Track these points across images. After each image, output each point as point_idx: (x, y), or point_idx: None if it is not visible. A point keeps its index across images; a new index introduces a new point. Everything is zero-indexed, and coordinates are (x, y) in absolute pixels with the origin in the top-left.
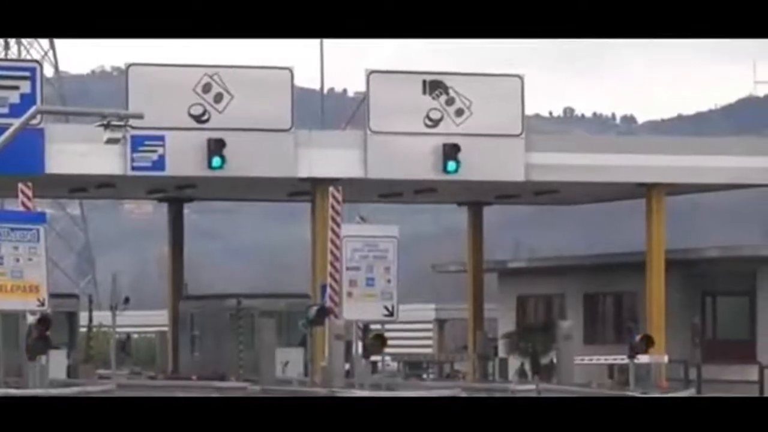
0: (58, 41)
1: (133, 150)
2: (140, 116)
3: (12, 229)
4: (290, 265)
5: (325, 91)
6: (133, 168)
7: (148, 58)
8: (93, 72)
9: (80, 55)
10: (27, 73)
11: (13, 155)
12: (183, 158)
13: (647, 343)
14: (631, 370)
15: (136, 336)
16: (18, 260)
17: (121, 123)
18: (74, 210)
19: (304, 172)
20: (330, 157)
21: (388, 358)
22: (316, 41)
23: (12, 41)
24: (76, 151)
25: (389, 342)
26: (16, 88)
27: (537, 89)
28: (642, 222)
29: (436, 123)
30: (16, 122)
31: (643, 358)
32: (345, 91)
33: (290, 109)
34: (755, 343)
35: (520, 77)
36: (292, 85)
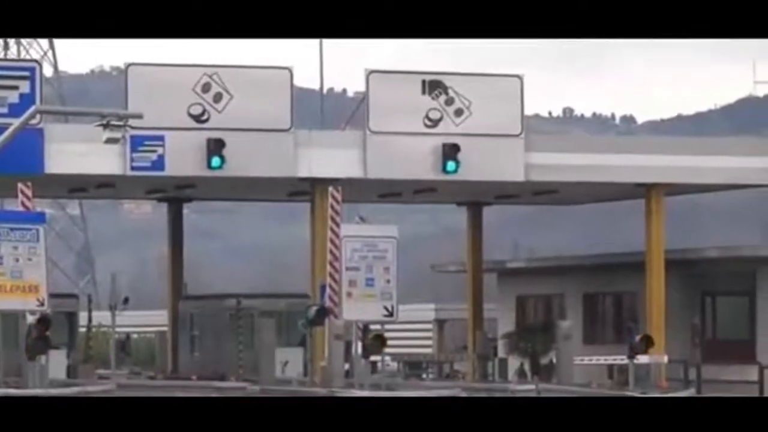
0: (57, 41)
1: (133, 150)
2: (139, 116)
3: (12, 229)
4: (290, 265)
5: (325, 91)
6: (133, 168)
7: (148, 57)
8: (92, 72)
9: (79, 55)
10: (26, 73)
11: (12, 155)
12: (182, 158)
13: (647, 343)
14: (631, 370)
15: (135, 336)
16: (17, 260)
17: (121, 123)
18: (74, 210)
19: (303, 172)
20: (329, 157)
21: (387, 358)
22: (315, 41)
23: (11, 41)
24: (76, 151)
25: (389, 342)
26: (16, 87)
27: (536, 89)
28: (641, 222)
29: (435, 123)
30: (16, 122)
31: (642, 359)
32: (344, 91)
33: (290, 109)
34: (755, 343)
35: (520, 77)
36: (292, 85)
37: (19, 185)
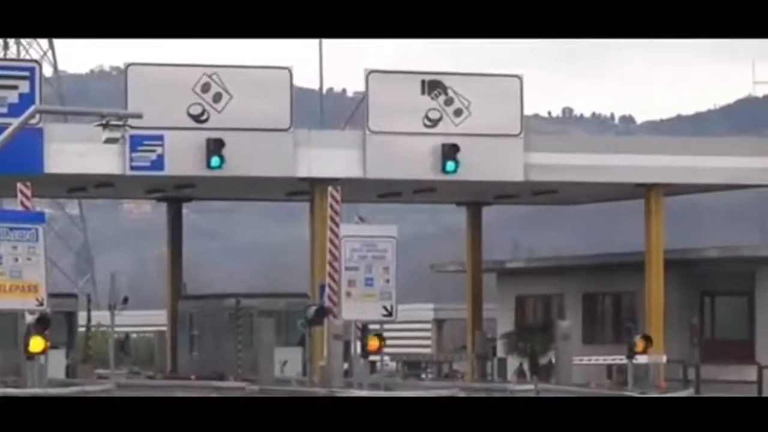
0: (57, 41)
1: (132, 150)
2: (139, 116)
3: (11, 229)
4: (289, 265)
5: (324, 90)
6: (132, 168)
7: (147, 57)
8: (92, 72)
9: (79, 55)
10: (26, 73)
11: (12, 155)
12: (182, 158)
13: (646, 343)
14: (630, 370)
15: (134, 336)
16: (17, 260)
17: (120, 123)
18: (73, 209)
19: (303, 172)
20: (329, 157)
21: (386, 357)
22: (315, 41)
23: (11, 41)
24: (75, 150)
25: (388, 342)
26: (15, 87)
27: (536, 89)
28: (641, 222)
29: (435, 123)
30: (15, 122)
31: (641, 359)
32: (344, 90)
33: (289, 108)
34: (754, 343)
35: (519, 77)
36: (291, 85)
37: (19, 185)
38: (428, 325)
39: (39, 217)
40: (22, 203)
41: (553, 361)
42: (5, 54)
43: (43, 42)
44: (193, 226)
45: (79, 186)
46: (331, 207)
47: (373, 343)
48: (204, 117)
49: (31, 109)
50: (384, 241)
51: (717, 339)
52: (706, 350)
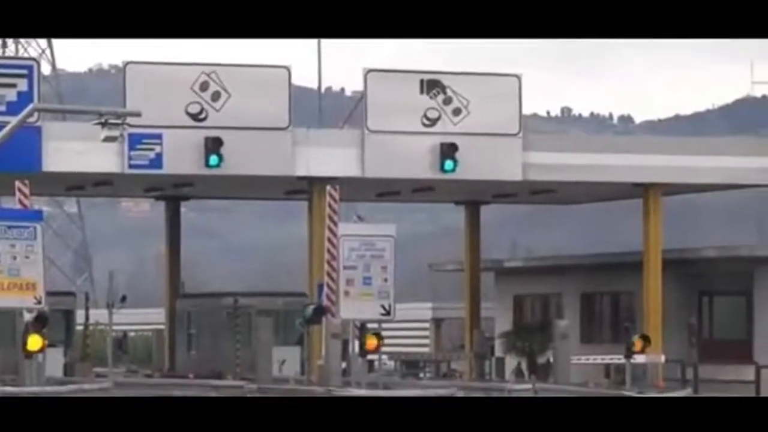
0: (55, 39)
1: (131, 148)
2: (138, 114)
3: (9, 227)
4: (287, 264)
5: (323, 89)
6: (131, 166)
7: (146, 56)
8: (90, 70)
9: (78, 53)
10: (24, 71)
11: (10, 153)
12: (180, 156)
13: (644, 342)
14: (628, 369)
15: (132, 334)
16: (15, 258)
17: (119, 121)
18: (71, 208)
19: (301, 171)
20: (327, 156)
21: (384, 356)
22: (314, 40)
23: (9, 39)
24: (74, 149)
25: (386, 341)
26: (14, 86)
27: (534, 89)
28: (640, 222)
29: (433, 122)
30: (14, 120)
31: (639, 358)
32: (343, 90)
33: (288, 107)
34: (752, 342)
35: (518, 77)
36: (290, 84)
37: (17, 183)
38: (426, 324)
39: (37, 216)
40: (20, 201)
41: (551, 360)
42: (4, 52)
43: (42, 40)
44: (191, 224)
45: (77, 184)
46: (330, 206)
47: (371, 342)
48: (202, 116)
49: (30, 107)
50: (382, 240)
51: (715, 339)
52: (704, 350)
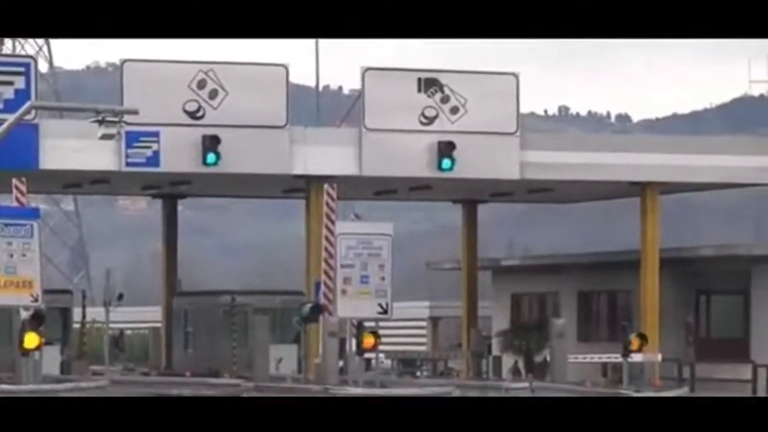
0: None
1: (128, 146)
2: (135, 112)
3: (6, 225)
4: (284, 262)
5: (321, 88)
6: (128, 164)
7: (143, 54)
8: (88, 68)
9: (75, 51)
10: (21, 69)
11: (7, 151)
12: (177, 154)
13: (641, 341)
14: (625, 368)
15: (129, 332)
16: (12, 256)
17: (116, 119)
18: (68, 206)
19: (298, 169)
20: (325, 154)
21: (382, 355)
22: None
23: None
24: (71, 146)
25: (383, 339)
26: (11, 83)
27: (532, 87)
28: (637, 220)
29: (431, 120)
30: (11, 118)
31: (636, 357)
32: (340, 88)
33: (285, 106)
34: (749, 341)
35: (515, 75)
36: (287, 82)
37: (14, 181)
38: (423, 323)
39: (34, 213)
40: (17, 199)
41: (548, 359)
42: (0, 50)
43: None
44: (188, 222)
45: (74, 182)
46: (327, 204)
47: (369, 340)
48: (200, 113)
49: (27, 104)
50: (379, 239)
51: (712, 337)
52: (701, 348)
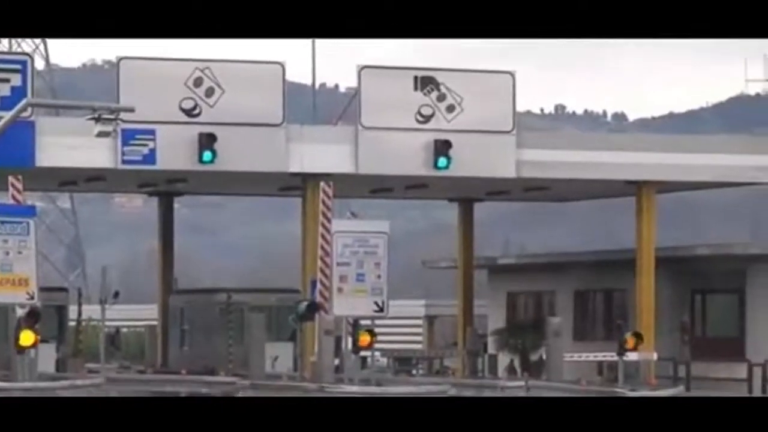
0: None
1: (124, 143)
2: (131, 110)
3: (2, 222)
4: (280, 260)
5: (317, 86)
6: (124, 161)
7: (140, 51)
8: (84, 65)
9: (71, 49)
10: (18, 66)
11: (3, 148)
12: (174, 152)
13: (637, 340)
14: (620, 367)
15: (125, 330)
16: (8, 253)
17: (112, 116)
18: (64, 203)
19: (295, 167)
20: (321, 153)
21: (377, 353)
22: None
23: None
24: (67, 144)
25: (379, 338)
26: (7, 80)
27: (528, 86)
28: (633, 219)
29: (427, 119)
30: (7, 115)
31: (632, 356)
32: (337, 86)
33: (281, 103)
34: (744, 340)
35: (512, 74)
36: (284, 80)
37: (10, 178)
38: (419, 321)
39: (30, 211)
40: (13, 196)
41: (544, 357)
42: None
43: None
44: (184, 220)
45: (70, 180)
46: (323, 202)
47: (364, 338)
48: (196, 111)
49: (23, 102)
50: (376, 237)
51: (708, 336)
52: (697, 347)
